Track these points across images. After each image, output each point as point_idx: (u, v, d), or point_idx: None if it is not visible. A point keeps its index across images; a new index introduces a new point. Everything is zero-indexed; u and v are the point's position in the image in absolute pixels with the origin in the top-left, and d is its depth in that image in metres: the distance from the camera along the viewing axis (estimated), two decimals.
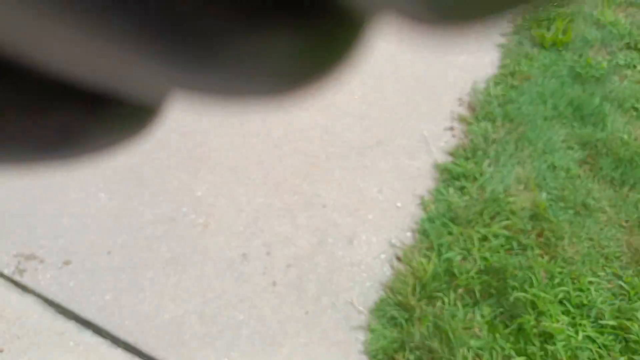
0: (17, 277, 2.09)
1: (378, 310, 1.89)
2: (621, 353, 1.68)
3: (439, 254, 1.96)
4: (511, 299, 1.80)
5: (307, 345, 1.84)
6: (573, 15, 3.14)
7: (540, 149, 2.33)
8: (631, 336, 1.71)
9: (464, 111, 2.69)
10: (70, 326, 1.94)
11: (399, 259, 2.04)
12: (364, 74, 2.98)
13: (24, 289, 2.06)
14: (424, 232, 2.09)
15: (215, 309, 1.95)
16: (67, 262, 2.13)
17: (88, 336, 1.91)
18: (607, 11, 3.14)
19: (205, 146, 2.56)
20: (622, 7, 3.28)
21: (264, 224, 2.22)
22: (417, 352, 1.75)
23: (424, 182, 2.35)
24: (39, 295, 2.04)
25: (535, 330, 1.72)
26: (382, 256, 2.08)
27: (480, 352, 1.72)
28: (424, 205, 2.22)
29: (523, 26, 3.15)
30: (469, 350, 1.70)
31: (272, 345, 1.83)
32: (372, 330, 1.83)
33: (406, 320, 1.81)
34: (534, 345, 1.70)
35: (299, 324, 1.89)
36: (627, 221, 2.06)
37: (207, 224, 2.24)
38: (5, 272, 2.10)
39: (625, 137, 2.37)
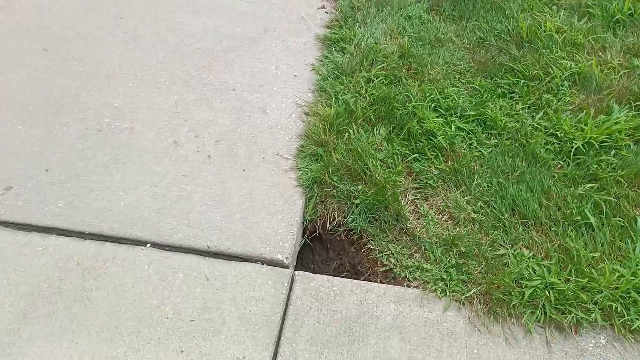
0: None
1: (300, 153, 2.15)
2: (482, 132, 2.12)
3: (337, 100, 2.25)
4: (398, 115, 2.15)
5: (251, 193, 2.07)
6: None
7: (397, 6, 2.65)
8: (487, 119, 2.15)
9: None
10: (33, 236, 1.99)
11: (307, 114, 2.30)
12: None
13: None
14: (321, 89, 2.35)
15: (163, 187, 2.09)
16: (8, 188, 2.13)
17: (53, 239, 1.97)
18: None
19: (106, 65, 2.56)
20: None
21: (185, 115, 2.35)
22: (338, 173, 2.06)
23: (312, 53, 2.59)
24: None
25: (419, 131, 2.09)
26: (293, 115, 2.33)
27: (385, 159, 2.07)
28: (315, 70, 2.47)
29: None
30: (376, 160, 2.04)
31: (221, 200, 2.04)
32: (299, 169, 2.10)
33: (324, 153, 2.10)
34: (421, 142, 2.08)
35: (240, 180, 2.11)
36: (469, 44, 2.48)
37: (133, 127, 2.32)
38: None
39: None
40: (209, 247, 1.88)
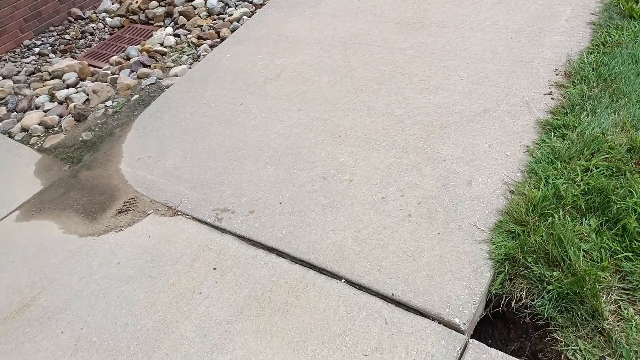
0: (216, 223, 2.70)
1: (497, 228, 2.22)
2: None
3: (546, 184, 2.26)
4: (614, 209, 2.04)
5: (441, 255, 2.21)
6: None
7: (635, 99, 2.53)
8: None
9: (560, 79, 2.95)
10: (260, 252, 2.49)
11: (512, 192, 2.36)
12: (467, 60, 3.34)
13: (223, 230, 2.66)
14: (532, 171, 2.39)
15: (365, 234, 2.40)
16: (251, 211, 2.71)
17: (273, 258, 2.44)
18: None
19: (341, 127, 3.08)
20: None
21: (396, 176, 2.66)
22: (534, 255, 2.05)
23: (529, 136, 2.65)
24: (233, 234, 2.62)
25: (638, 230, 1.95)
26: (497, 191, 2.41)
27: (590, 251, 1.98)
28: (530, 152, 2.52)
29: (612, 3, 3.33)
30: (579, 250, 1.97)
31: (412, 256, 2.23)
32: (494, 242, 2.16)
33: (522, 232, 2.13)
34: (637, 241, 1.93)
35: (433, 241, 2.28)
36: None
37: (351, 179, 2.72)
38: (208, 220, 2.72)
39: None
40: (393, 294, 2.08)
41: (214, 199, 2.80)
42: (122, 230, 2.73)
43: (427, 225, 2.33)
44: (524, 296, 1.95)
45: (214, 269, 2.42)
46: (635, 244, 1.88)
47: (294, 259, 2.39)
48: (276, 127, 3.21)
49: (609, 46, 2.92)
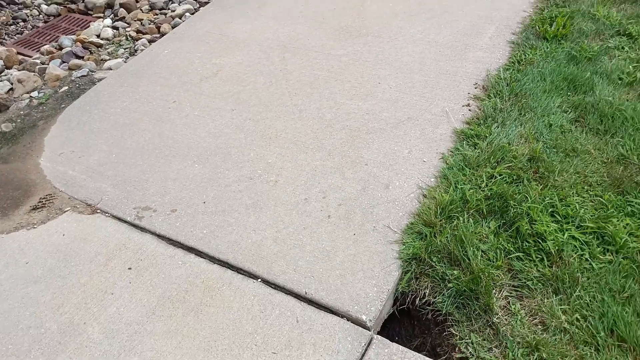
0: (136, 222, 2.67)
1: (408, 229, 2.33)
2: (597, 246, 2.05)
3: (455, 188, 2.40)
4: (511, 213, 2.20)
5: (355, 255, 2.30)
6: (572, 13, 3.54)
7: (540, 113, 2.74)
8: (606, 234, 2.08)
9: (478, 92, 3.14)
10: (178, 251, 2.49)
11: (425, 196, 2.49)
12: (397, 70, 3.49)
13: (142, 229, 2.64)
14: (444, 176, 2.53)
15: (285, 234, 2.45)
16: (173, 210, 2.71)
17: (192, 257, 2.45)
18: (601, 8, 3.53)
19: (273, 128, 3.13)
20: (615, 3, 3.65)
21: (320, 178, 2.74)
22: (439, 255, 2.18)
23: (445, 144, 2.80)
24: (153, 233, 2.60)
25: (529, 232, 2.11)
26: (412, 195, 2.54)
27: (487, 251, 2.13)
28: (444, 159, 2.67)
29: (530, 25, 3.58)
30: (478, 250, 2.12)
31: (328, 256, 2.31)
32: (404, 243, 2.27)
33: (430, 233, 2.25)
34: (528, 242, 2.10)
35: (349, 242, 2.37)
36: (607, 159, 2.43)
37: (277, 180, 2.78)
38: (128, 219, 2.69)
39: (610, 99, 2.74)
40: (306, 293, 2.14)
41: (137, 197, 2.78)
42: (34, 227, 2.65)
43: (345, 226, 2.42)
44: (427, 294, 2.07)
45: (129, 268, 2.39)
46: (525, 245, 2.04)
47: (213, 259, 2.40)
48: (208, 126, 3.22)
49: (523, 64, 3.14)
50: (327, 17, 4.27)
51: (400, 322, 2.24)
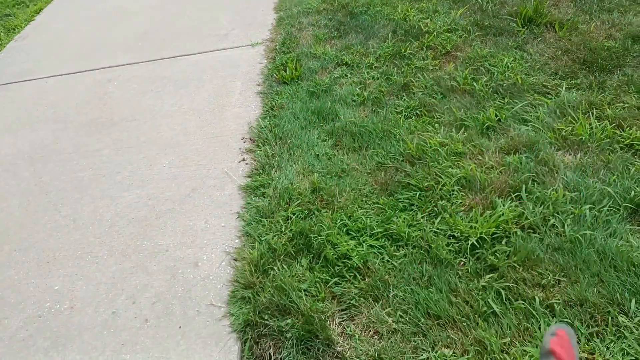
0: None
1: (232, 299, 2.29)
2: (391, 245, 2.33)
3: (260, 241, 2.45)
4: (315, 245, 2.35)
5: (188, 349, 2.15)
6: (298, 56, 4.02)
7: (305, 148, 3.01)
8: (393, 233, 2.38)
9: (248, 145, 3.29)
10: None
11: (235, 259, 2.48)
12: (165, 147, 3.43)
13: None
14: (246, 234, 2.57)
15: None
16: None
17: None
18: (317, 46, 4.09)
19: (47, 251, 2.74)
20: (327, 41, 4.29)
21: (122, 283, 2.49)
22: (268, 311, 2.18)
23: (237, 202, 2.85)
24: None
25: (335, 255, 2.28)
26: (223, 263, 2.50)
27: (309, 289, 2.22)
28: (240, 217, 2.71)
29: (269, 74, 3.93)
30: (300, 291, 2.19)
31: None
32: (232, 314, 2.22)
33: (253, 294, 2.25)
34: (338, 265, 2.26)
35: (177, 337, 2.20)
36: (370, 169, 2.80)
37: (73, 306, 2.43)
38: None
39: (353, 119, 3.19)
40: None
41: None
42: None
43: (167, 324, 2.24)
44: (272, 353, 2.05)
45: None
46: (337, 269, 2.20)
47: None
48: None
49: (276, 109, 3.42)
50: (71, 115, 3.97)
51: None
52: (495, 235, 2.22)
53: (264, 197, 2.72)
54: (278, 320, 2.10)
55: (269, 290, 2.19)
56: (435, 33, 3.92)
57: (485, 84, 3.26)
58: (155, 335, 2.20)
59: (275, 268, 2.29)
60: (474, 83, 3.27)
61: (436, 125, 2.99)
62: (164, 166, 3.23)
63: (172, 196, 2.97)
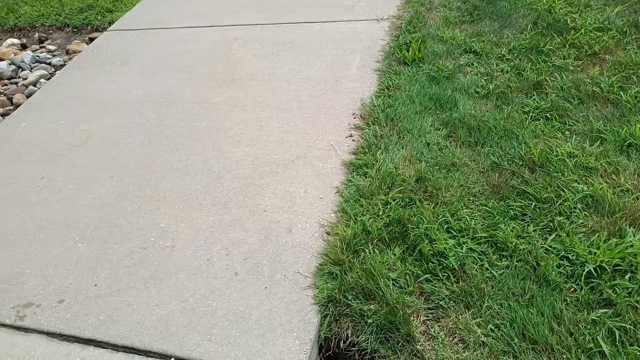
0: (18, 323, 2.30)
1: (319, 272, 2.28)
2: (493, 254, 2.16)
3: (356, 221, 2.40)
4: (411, 236, 2.25)
5: (271, 310, 2.19)
6: (423, 37, 3.83)
7: (416, 134, 2.87)
8: (498, 241, 2.20)
9: (358, 122, 3.22)
10: (74, 347, 2.18)
11: (328, 233, 2.46)
12: (277, 111, 3.47)
13: (26, 330, 2.28)
14: (343, 210, 2.53)
15: (193, 303, 2.26)
16: (61, 301, 2.38)
17: (91, 350, 2.15)
18: (446, 29, 3.86)
19: (159, 190, 2.92)
20: (457, 25, 4.03)
21: (220, 234, 2.59)
22: (353, 292, 2.15)
23: (338, 177, 2.82)
24: (41, 332, 2.26)
25: (431, 252, 2.17)
26: (316, 235, 2.49)
27: (398, 279, 2.14)
28: (339, 192, 2.67)
29: (390, 52, 3.80)
30: (389, 279, 2.12)
31: (242, 317, 2.17)
32: (317, 287, 2.21)
33: (340, 271, 2.22)
34: (433, 262, 2.15)
35: (261, 297, 2.25)
36: (484, 168, 2.61)
37: (174, 245, 2.58)
38: (7, 322, 2.31)
39: (473, 112, 2.98)
40: None
41: (14, 294, 2.39)
42: None
43: (254, 281, 2.29)
44: (350, 334, 2.01)
45: None
46: (431, 265, 2.09)
47: (116, 347, 2.14)
48: (86, 199, 2.90)
49: (392, 89, 3.30)
50: (196, 66, 4.16)
51: None
52: (618, 268, 1.96)
53: (366, 177, 2.65)
54: (361, 303, 2.05)
55: (357, 272, 2.14)
56: (582, 30, 3.51)
57: (634, 96, 2.86)
58: (242, 290, 2.26)
59: (367, 251, 2.23)
60: (621, 92, 2.89)
61: (567, 132, 2.69)
62: (273, 129, 3.27)
63: (277, 160, 3.00)
